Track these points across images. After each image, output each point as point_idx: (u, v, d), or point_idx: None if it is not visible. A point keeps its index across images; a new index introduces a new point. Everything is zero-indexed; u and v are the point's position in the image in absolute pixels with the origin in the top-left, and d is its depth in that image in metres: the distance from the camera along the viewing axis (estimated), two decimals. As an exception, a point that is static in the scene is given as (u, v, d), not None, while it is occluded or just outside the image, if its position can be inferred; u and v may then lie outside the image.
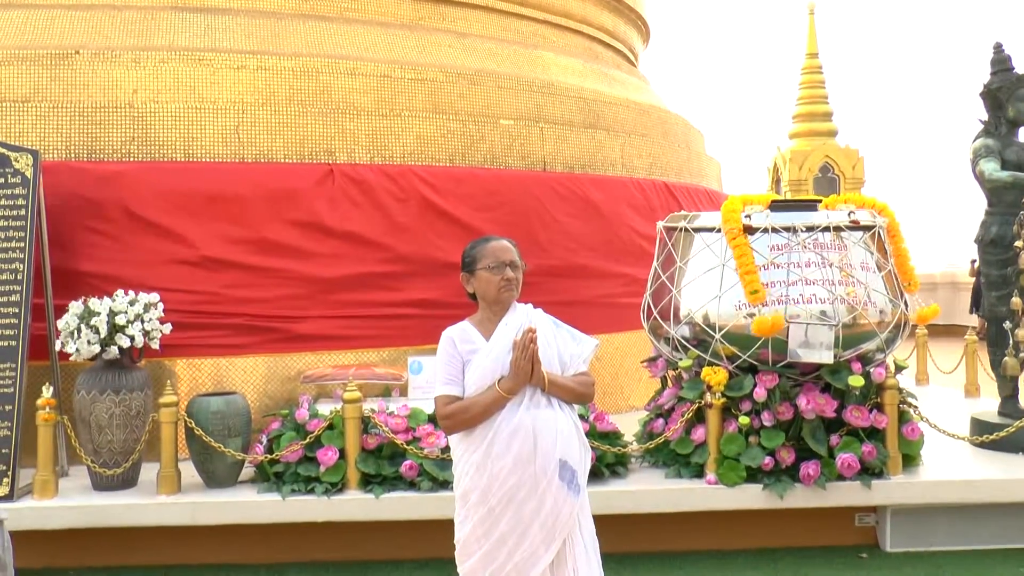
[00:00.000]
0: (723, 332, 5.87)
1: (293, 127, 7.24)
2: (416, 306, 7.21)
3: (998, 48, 7.38)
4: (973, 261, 13.62)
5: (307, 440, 5.74)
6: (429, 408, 5.90)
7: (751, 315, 5.82)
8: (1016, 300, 6.61)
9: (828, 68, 20.91)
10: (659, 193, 9.06)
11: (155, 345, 6.06)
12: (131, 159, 6.92)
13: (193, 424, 5.78)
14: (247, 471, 6.04)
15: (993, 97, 7.34)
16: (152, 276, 6.67)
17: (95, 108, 6.94)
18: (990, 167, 7.09)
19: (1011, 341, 6.73)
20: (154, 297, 6.15)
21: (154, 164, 6.93)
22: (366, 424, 5.79)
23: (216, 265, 6.84)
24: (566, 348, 3.59)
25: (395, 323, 7.18)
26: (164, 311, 6.18)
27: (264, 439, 5.98)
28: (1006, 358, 6.74)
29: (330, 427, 5.79)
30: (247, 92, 7.25)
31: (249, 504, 5.63)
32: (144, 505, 5.61)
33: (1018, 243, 6.60)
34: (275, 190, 7.02)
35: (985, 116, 7.43)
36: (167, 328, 6.14)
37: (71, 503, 5.63)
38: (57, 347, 6.04)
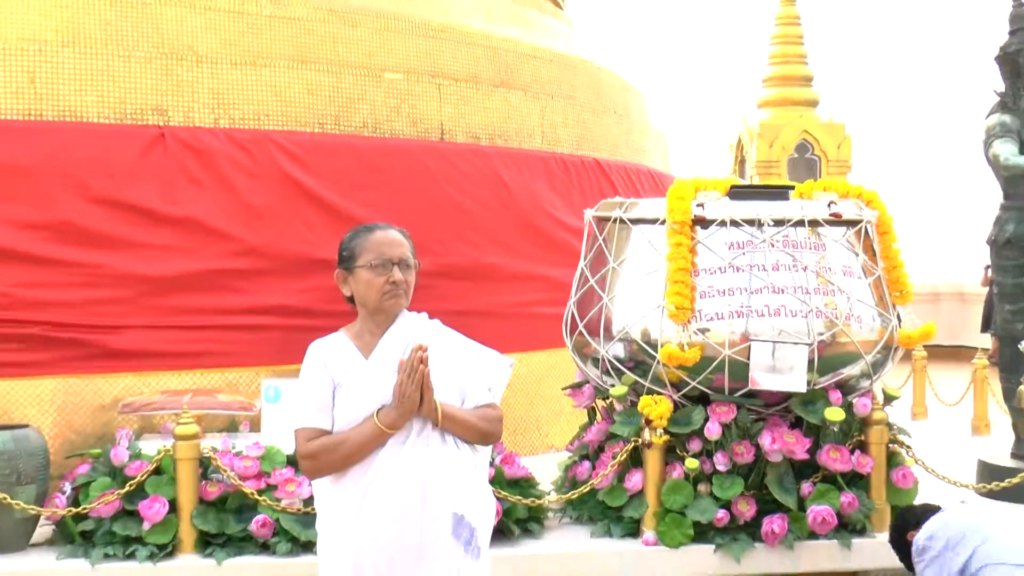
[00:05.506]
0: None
1: (109, 76, 7.15)
2: (274, 314, 7.22)
3: (1018, 3, 7.48)
4: (987, 267, 13.94)
5: (126, 488, 5.72)
6: (289, 447, 5.92)
7: (703, 331, 5.97)
8: (1035, 316, 6.82)
9: (808, 20, 21.15)
10: (589, 173, 9.20)
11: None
12: None
13: (-33, 468, 5.72)
14: (43, 530, 6.01)
15: (1011, 63, 7.45)
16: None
17: None
18: (1006, 150, 7.17)
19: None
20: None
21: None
22: (205, 468, 5.82)
23: (1, 256, 6.74)
24: (468, 371, 3.67)
25: (245, 336, 7.17)
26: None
27: (67, 487, 5.94)
28: (1021, 387, 6.97)
29: (157, 471, 5.80)
30: (46, 28, 7.15)
31: (46, 574, 5.58)
32: None
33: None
34: (83, 159, 6.92)
35: (1001, 86, 7.54)
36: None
37: None
38: None
